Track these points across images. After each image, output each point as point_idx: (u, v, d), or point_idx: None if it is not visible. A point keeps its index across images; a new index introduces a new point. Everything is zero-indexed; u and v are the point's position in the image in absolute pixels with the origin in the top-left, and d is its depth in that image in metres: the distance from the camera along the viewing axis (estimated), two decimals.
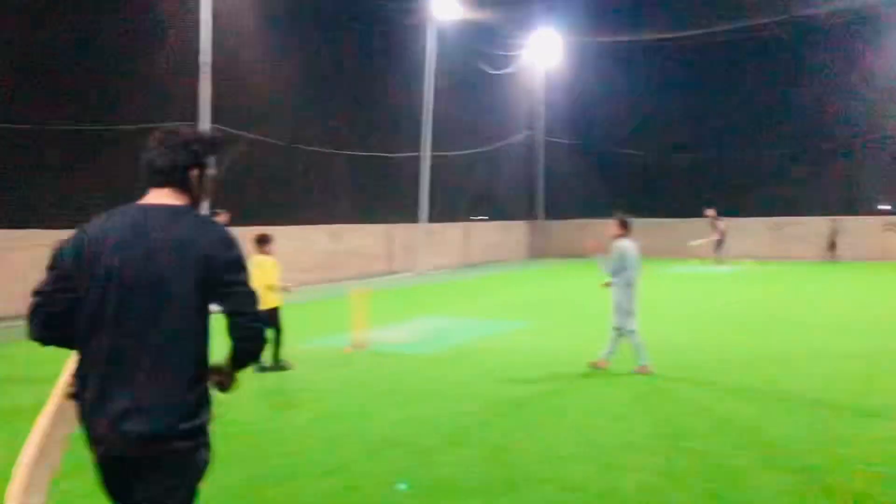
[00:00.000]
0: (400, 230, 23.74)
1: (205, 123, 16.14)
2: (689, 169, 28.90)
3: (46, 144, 14.17)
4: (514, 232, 30.36)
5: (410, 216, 23.99)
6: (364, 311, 10.15)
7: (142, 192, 2.71)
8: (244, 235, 16.40)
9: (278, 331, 8.76)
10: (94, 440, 2.54)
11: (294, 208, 20.02)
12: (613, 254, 8.31)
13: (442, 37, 24.27)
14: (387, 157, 23.06)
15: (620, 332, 8.31)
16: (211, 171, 2.81)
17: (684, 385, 7.81)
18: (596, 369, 8.46)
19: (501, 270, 24.59)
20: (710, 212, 24.31)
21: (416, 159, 23.89)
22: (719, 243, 24.19)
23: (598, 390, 7.68)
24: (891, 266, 22.79)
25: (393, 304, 15.37)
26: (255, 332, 2.67)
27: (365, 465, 5.40)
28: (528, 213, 31.22)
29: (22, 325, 2.76)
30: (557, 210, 31.81)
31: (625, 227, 8.37)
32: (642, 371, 8.18)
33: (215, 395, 2.67)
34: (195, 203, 2.76)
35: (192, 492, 2.62)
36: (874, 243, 25.01)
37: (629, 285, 8.28)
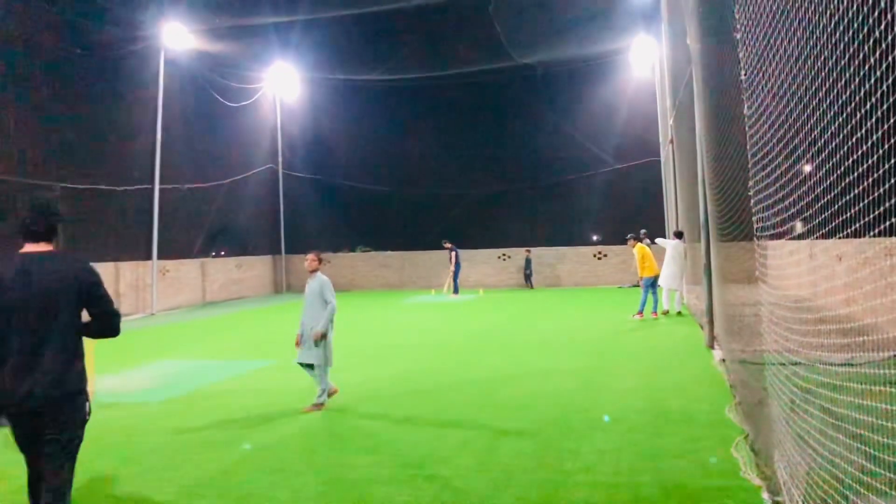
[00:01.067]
0: (128, 268, 22.05)
1: None
2: (426, 204, 30.18)
3: None
4: (255, 267, 29.57)
5: (140, 253, 22.42)
6: (88, 358, 9.21)
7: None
8: None
9: None
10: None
11: None
12: (319, 286, 8.51)
13: (176, 66, 23.24)
14: (111, 189, 21.39)
15: (325, 369, 8.41)
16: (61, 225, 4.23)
17: (421, 413, 8.02)
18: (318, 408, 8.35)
19: (243, 307, 23.78)
20: (447, 244, 25.61)
21: (146, 192, 22.43)
22: (455, 273, 25.47)
23: (343, 425, 7.62)
24: (604, 290, 25.50)
25: (121, 348, 14.16)
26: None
27: None
28: (270, 248, 30.59)
29: None
30: (299, 244, 31.55)
31: (321, 261, 8.75)
32: (317, 409, 8.25)
33: None
34: (56, 246, 4.17)
35: None
36: (589, 270, 27.89)
37: (332, 317, 8.51)
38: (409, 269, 30.02)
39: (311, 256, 8.68)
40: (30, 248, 4.06)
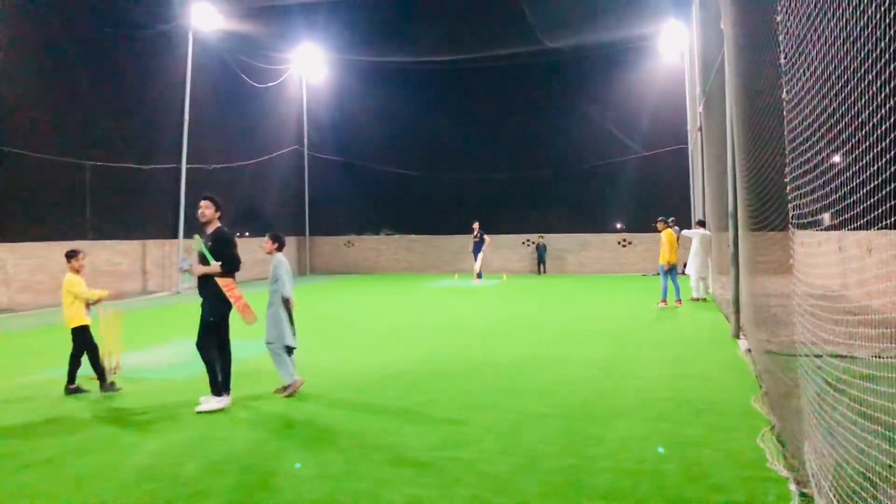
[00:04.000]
0: (155, 246, 22.29)
1: None
2: (451, 188, 30.13)
3: None
4: None
5: (167, 232, 22.63)
6: (115, 335, 9.33)
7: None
8: None
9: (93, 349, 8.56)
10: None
11: (28, 223, 18.04)
12: (272, 267, 8.43)
13: (203, 47, 23.32)
14: (140, 168, 21.58)
15: (279, 347, 8.26)
16: None
17: (443, 396, 8.02)
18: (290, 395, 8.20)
19: (267, 288, 23.88)
20: (476, 226, 25.59)
21: (173, 171, 22.60)
22: (479, 256, 25.47)
23: (366, 405, 7.65)
24: (628, 278, 25.35)
25: (148, 325, 14.36)
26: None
27: (119, 502, 4.92)
28: (294, 230, 30.72)
29: None
30: (324, 226, 31.72)
31: (277, 242, 8.58)
32: (289, 393, 8.11)
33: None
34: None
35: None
36: (613, 258, 27.73)
37: (286, 299, 8.36)
38: (432, 253, 30.07)
39: (265, 239, 8.58)
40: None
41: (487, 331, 13.24)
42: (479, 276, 25.21)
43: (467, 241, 26.72)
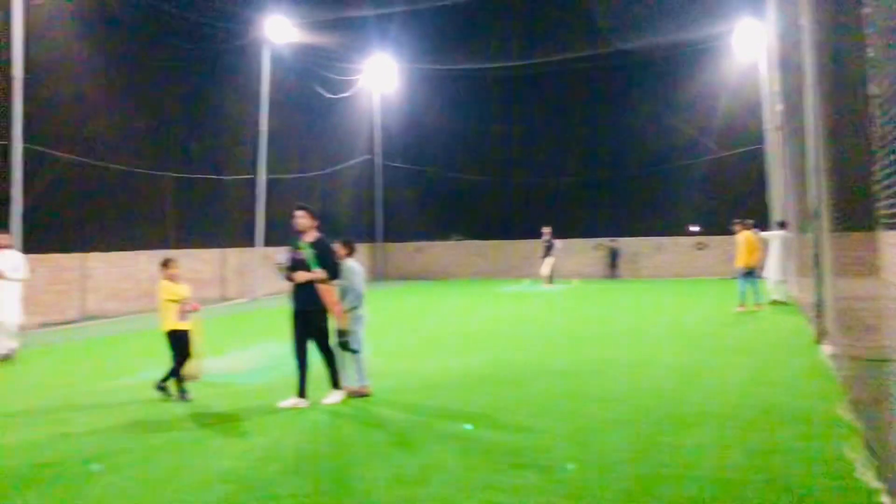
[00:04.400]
0: (234, 255, 22.91)
1: (16, 141, 14.93)
2: (521, 192, 30.00)
3: None
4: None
5: (245, 240, 23.23)
6: (197, 341, 9.63)
7: None
8: (57, 262, 15.16)
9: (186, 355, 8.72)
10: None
11: (115, 233, 18.79)
12: (343, 274, 8.41)
13: (278, 59, 23.91)
14: (219, 179, 22.24)
15: (353, 351, 8.31)
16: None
17: (514, 402, 7.98)
18: (360, 396, 8.31)
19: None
20: (547, 230, 25.29)
21: (251, 182, 23.22)
22: (548, 261, 25.20)
23: (436, 410, 7.68)
24: (705, 282, 24.75)
25: (227, 331, 14.76)
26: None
27: (197, 503, 5.07)
28: (367, 237, 31.14)
29: None
30: (396, 233, 32.06)
31: (349, 248, 8.58)
32: (360, 392, 8.28)
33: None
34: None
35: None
36: (689, 261, 27.12)
37: (356, 305, 8.36)
38: (502, 259, 30.02)
39: (337, 245, 8.55)
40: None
41: (558, 335, 13.13)
42: (550, 280, 24.99)
43: (538, 245, 26.50)
